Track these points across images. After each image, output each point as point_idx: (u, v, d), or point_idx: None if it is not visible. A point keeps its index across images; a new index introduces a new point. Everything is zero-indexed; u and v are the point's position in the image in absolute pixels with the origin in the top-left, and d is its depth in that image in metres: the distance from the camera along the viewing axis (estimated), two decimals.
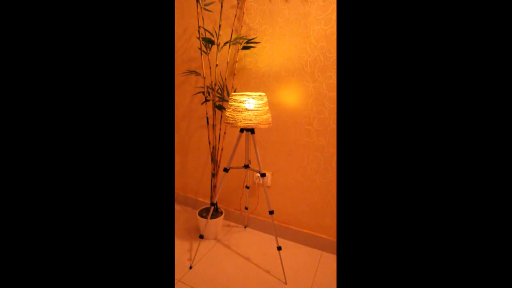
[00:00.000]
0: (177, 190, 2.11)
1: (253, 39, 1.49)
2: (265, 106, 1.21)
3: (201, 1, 1.43)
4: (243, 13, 1.53)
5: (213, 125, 1.58)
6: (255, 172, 1.71)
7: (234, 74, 1.62)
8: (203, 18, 1.48)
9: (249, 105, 1.16)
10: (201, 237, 1.48)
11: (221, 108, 1.53)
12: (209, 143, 1.61)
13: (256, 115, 1.17)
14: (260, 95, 1.19)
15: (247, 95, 1.17)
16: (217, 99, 1.56)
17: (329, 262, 1.49)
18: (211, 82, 1.64)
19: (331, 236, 1.57)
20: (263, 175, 1.29)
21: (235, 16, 1.54)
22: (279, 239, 1.70)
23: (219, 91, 1.57)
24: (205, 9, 1.39)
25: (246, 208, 1.79)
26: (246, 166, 1.38)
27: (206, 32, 1.63)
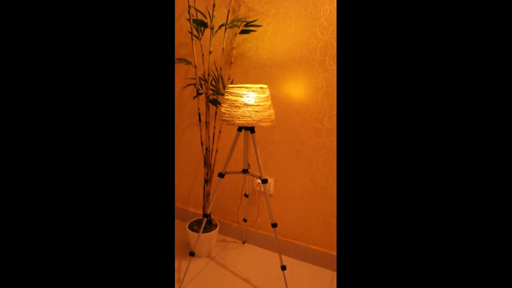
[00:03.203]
0: None
1: (253, 21, 1.49)
2: (267, 101, 1.21)
3: None
4: None
5: (206, 123, 1.58)
6: (255, 178, 1.71)
7: (231, 62, 1.62)
8: None
9: (248, 99, 1.17)
10: (192, 254, 1.48)
11: (216, 102, 1.52)
12: (202, 143, 1.61)
13: (256, 111, 1.17)
14: (261, 88, 1.20)
15: (246, 87, 1.18)
16: (211, 92, 1.56)
17: None
18: (204, 72, 1.63)
19: None
20: (264, 181, 1.29)
21: None
22: (283, 257, 1.70)
23: (213, 82, 1.57)
24: None
25: (245, 220, 1.79)
26: (245, 171, 1.38)
27: (198, 13, 1.62)
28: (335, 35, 1.39)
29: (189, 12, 1.46)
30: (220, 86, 1.59)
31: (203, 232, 1.62)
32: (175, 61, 1.78)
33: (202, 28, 1.51)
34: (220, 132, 1.65)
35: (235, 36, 1.60)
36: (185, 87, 1.82)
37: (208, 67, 1.54)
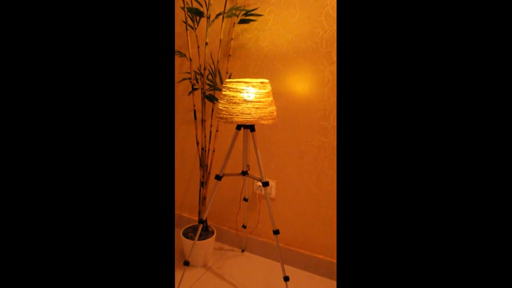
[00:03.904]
0: None
1: (253, 10, 1.48)
2: (268, 97, 1.21)
3: None
4: None
5: (202, 121, 1.58)
6: (255, 181, 1.71)
7: (229, 55, 1.62)
8: None
9: (248, 95, 1.16)
10: (186, 263, 1.47)
11: (213, 98, 1.51)
12: (197, 143, 1.60)
13: (257, 107, 1.17)
14: (262, 83, 1.19)
15: (245, 82, 1.17)
16: (207, 87, 1.56)
17: None
18: (200, 65, 1.63)
19: None
20: (265, 184, 1.29)
21: None
22: (286, 266, 1.69)
23: (210, 77, 1.57)
24: None
25: (244, 227, 1.78)
26: (244, 173, 1.37)
27: (193, 1, 1.60)
28: None
29: (183, 0, 1.44)
30: (217, 80, 1.59)
31: (198, 239, 1.61)
32: None
33: (198, 18, 1.50)
34: (217, 130, 1.64)
35: (233, 26, 1.58)
36: (179, 81, 1.81)
37: (204, 60, 1.53)
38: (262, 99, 1.18)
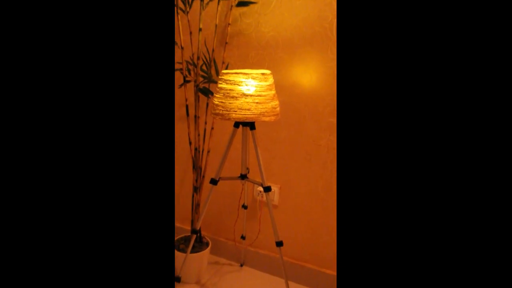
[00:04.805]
0: None
1: None
2: (270, 90, 1.20)
3: None
4: None
5: (196, 117, 1.58)
6: (256, 185, 1.71)
7: (226, 43, 1.61)
8: None
9: (247, 88, 1.16)
10: (177, 279, 1.47)
11: (207, 92, 1.51)
12: (190, 142, 1.61)
13: (257, 102, 1.16)
14: (263, 74, 1.19)
15: (244, 73, 1.17)
16: (201, 79, 1.56)
17: None
18: (192, 54, 1.63)
19: None
20: (267, 189, 1.29)
21: None
22: (290, 283, 1.69)
23: (204, 67, 1.57)
24: None
25: (243, 238, 1.78)
26: (243, 177, 1.38)
27: None
28: None
29: None
30: (213, 71, 1.59)
31: (191, 252, 1.60)
32: None
33: (190, 0, 1.49)
34: (212, 128, 1.63)
35: (230, 9, 1.58)
36: None
37: (198, 48, 1.52)
38: (263, 93, 1.17)
